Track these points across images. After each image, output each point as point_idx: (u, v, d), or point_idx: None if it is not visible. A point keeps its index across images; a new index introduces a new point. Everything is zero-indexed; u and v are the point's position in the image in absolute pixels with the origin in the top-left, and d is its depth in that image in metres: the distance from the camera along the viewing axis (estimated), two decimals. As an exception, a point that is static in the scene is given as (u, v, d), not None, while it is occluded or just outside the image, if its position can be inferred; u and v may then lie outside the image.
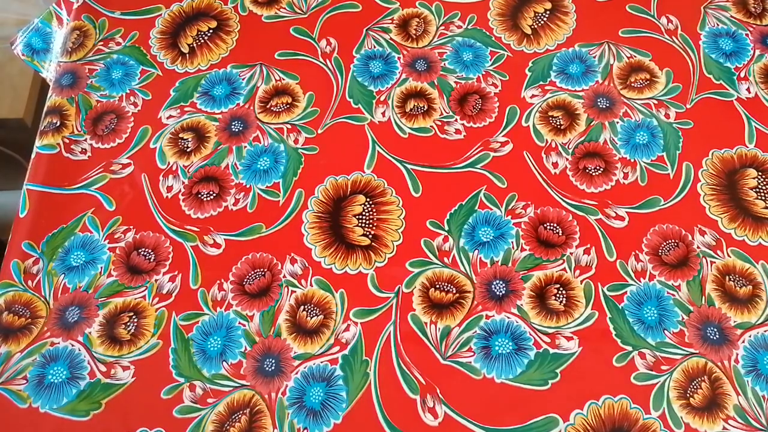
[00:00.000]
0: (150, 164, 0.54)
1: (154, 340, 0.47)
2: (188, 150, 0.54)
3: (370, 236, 0.50)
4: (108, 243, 0.51)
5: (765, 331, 0.46)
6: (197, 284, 0.49)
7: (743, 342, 0.46)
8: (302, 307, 0.48)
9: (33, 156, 0.55)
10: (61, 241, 0.51)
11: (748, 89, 0.55)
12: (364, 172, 0.53)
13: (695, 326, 0.46)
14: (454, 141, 0.54)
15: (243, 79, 0.58)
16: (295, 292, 0.48)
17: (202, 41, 0.60)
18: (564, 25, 0.59)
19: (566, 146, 0.53)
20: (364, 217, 0.51)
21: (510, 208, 0.51)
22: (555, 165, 0.53)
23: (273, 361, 0.46)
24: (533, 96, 0.56)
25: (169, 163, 0.54)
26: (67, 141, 0.55)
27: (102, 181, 0.53)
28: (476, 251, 0.49)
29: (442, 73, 0.57)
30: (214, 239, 0.50)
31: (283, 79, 0.57)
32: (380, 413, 0.44)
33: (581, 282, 0.48)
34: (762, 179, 0.52)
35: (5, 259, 0.50)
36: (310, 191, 0.52)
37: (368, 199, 0.52)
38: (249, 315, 0.48)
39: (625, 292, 0.48)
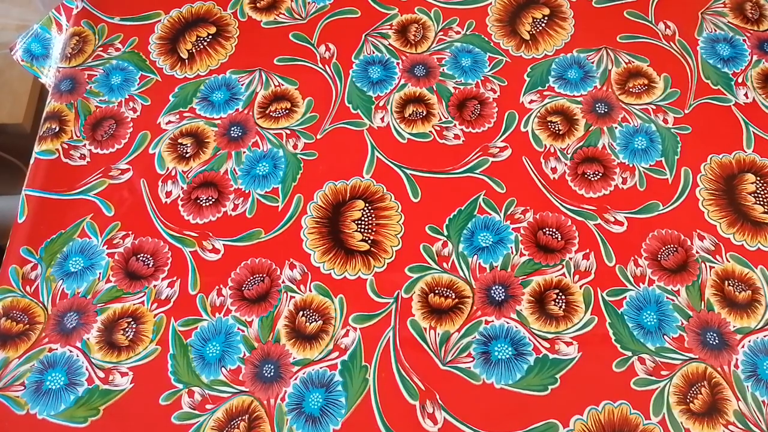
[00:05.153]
0: (149, 170, 0.54)
1: (153, 345, 0.47)
2: (187, 155, 0.54)
3: (369, 241, 0.50)
4: (107, 248, 0.51)
5: (764, 336, 0.46)
6: (196, 290, 0.49)
7: (743, 347, 0.46)
8: (301, 313, 0.48)
9: (32, 161, 0.55)
10: (60, 247, 0.51)
11: (746, 94, 0.55)
12: (363, 178, 0.53)
13: (695, 331, 0.46)
14: (453, 146, 0.54)
15: (242, 85, 0.58)
16: (294, 297, 0.48)
17: (202, 47, 0.60)
18: (562, 30, 0.60)
19: (565, 151, 0.54)
20: (363, 223, 0.51)
21: (509, 213, 0.51)
22: (554, 170, 0.53)
23: (272, 366, 0.46)
24: (532, 101, 0.56)
25: (168, 168, 0.54)
26: (66, 146, 0.55)
27: (101, 187, 0.53)
28: (475, 256, 0.49)
29: (440, 78, 0.57)
30: (213, 245, 0.50)
31: (282, 85, 0.57)
32: (379, 419, 0.44)
33: (580, 287, 0.48)
34: (760, 184, 0.52)
35: (3, 265, 0.50)
36: (309, 196, 0.52)
37: (367, 205, 0.52)
38: (248, 320, 0.47)
39: (625, 297, 0.47)
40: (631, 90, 0.56)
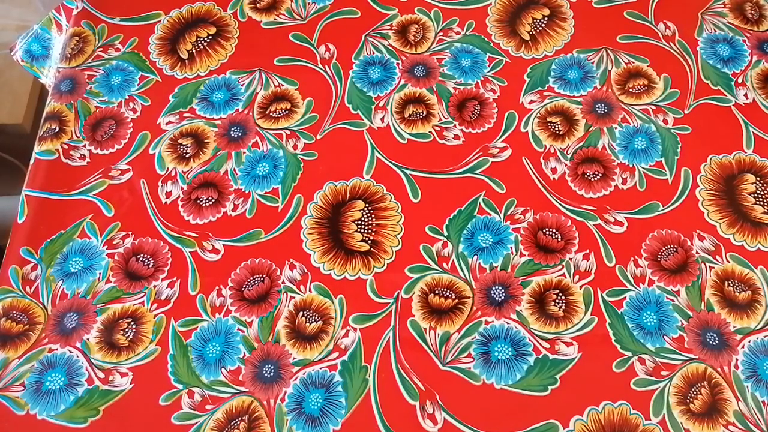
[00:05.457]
0: (149, 170, 0.54)
1: (153, 346, 0.47)
2: (187, 156, 0.54)
3: (369, 242, 0.50)
4: (107, 249, 0.51)
5: (764, 337, 0.46)
6: (196, 290, 0.49)
7: (743, 347, 0.46)
8: (301, 313, 0.48)
9: (32, 162, 0.55)
10: (60, 247, 0.51)
11: (745, 95, 0.55)
12: (363, 178, 0.53)
13: (695, 332, 0.46)
14: (453, 146, 0.54)
15: (242, 85, 0.58)
16: (294, 297, 0.48)
17: (202, 47, 0.60)
18: (562, 31, 0.60)
19: (565, 152, 0.54)
20: (363, 223, 0.51)
21: (509, 213, 0.51)
22: (554, 170, 0.53)
23: (272, 367, 0.46)
24: (532, 102, 0.56)
25: (168, 168, 0.54)
26: (66, 147, 0.55)
27: (101, 187, 0.53)
28: (475, 257, 0.49)
29: (440, 78, 0.57)
30: (212, 245, 0.50)
31: (282, 85, 0.57)
32: (379, 419, 0.44)
33: (580, 287, 0.48)
34: (760, 184, 0.52)
35: (3, 265, 0.50)
36: (309, 197, 0.52)
37: (367, 205, 0.52)
38: (248, 321, 0.47)
39: (625, 298, 0.47)
40: (631, 90, 0.56)
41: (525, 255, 0.49)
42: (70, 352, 0.47)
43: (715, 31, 0.59)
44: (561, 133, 0.54)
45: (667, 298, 0.47)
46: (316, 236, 0.51)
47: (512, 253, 0.49)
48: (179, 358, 0.46)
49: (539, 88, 0.56)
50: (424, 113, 0.56)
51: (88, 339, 0.47)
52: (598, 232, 0.50)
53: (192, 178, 0.53)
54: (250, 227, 0.51)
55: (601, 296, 0.47)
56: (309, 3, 0.62)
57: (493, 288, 0.48)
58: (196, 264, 0.50)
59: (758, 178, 0.52)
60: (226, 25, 0.61)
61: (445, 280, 0.48)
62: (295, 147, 0.54)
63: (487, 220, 0.51)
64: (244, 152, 0.54)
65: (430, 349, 0.46)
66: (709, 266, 0.48)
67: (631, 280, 0.48)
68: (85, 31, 0.61)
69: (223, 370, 0.46)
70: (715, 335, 0.46)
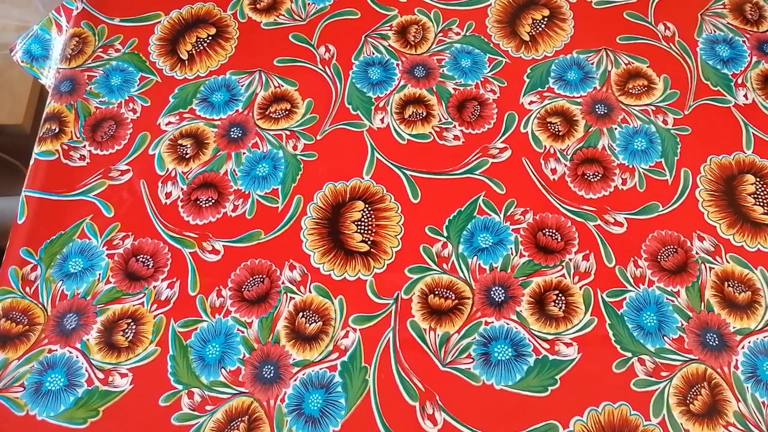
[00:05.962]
0: (149, 171, 0.54)
1: (153, 347, 0.47)
2: (187, 156, 0.54)
3: (369, 242, 0.50)
4: (106, 249, 0.51)
5: (764, 337, 0.46)
6: (196, 291, 0.49)
7: (743, 348, 0.46)
8: (301, 314, 0.48)
9: (32, 162, 0.55)
10: (60, 248, 0.51)
11: (745, 95, 0.55)
12: (363, 179, 0.53)
13: (694, 332, 0.46)
14: (453, 147, 0.54)
15: (242, 86, 0.58)
16: (293, 298, 0.48)
17: (201, 48, 0.60)
18: (562, 31, 0.60)
19: (565, 152, 0.54)
20: (363, 224, 0.51)
21: (509, 214, 0.51)
22: (554, 171, 0.53)
23: (272, 367, 0.46)
24: (531, 102, 0.56)
25: (167, 169, 0.54)
26: (65, 147, 0.55)
27: (101, 188, 0.53)
28: (475, 257, 0.49)
29: (440, 79, 0.57)
30: (212, 246, 0.50)
31: (282, 86, 0.57)
32: (379, 420, 0.44)
33: (580, 288, 0.48)
34: (760, 185, 0.52)
35: (3, 266, 0.50)
36: (309, 197, 0.52)
37: (367, 206, 0.52)
38: (248, 322, 0.47)
39: (624, 298, 0.48)
40: (630, 91, 0.56)
41: (525, 255, 0.49)
42: (70, 352, 0.47)
43: (715, 31, 0.59)
44: (561, 133, 0.54)
45: (667, 298, 0.47)
46: (316, 237, 0.51)
47: (512, 253, 0.49)
48: (179, 359, 0.46)
49: (539, 89, 0.57)
50: (424, 114, 0.56)
51: (87, 340, 0.47)
52: (598, 232, 0.50)
53: (192, 179, 0.53)
54: (250, 228, 0.51)
55: (601, 297, 0.47)
56: (309, 4, 0.62)
57: (493, 289, 0.48)
58: (196, 265, 0.50)
59: (758, 179, 0.52)
60: (226, 25, 0.61)
61: (444, 280, 0.48)
62: (294, 147, 0.54)
63: (487, 220, 0.51)
64: (244, 153, 0.54)
65: (430, 349, 0.46)
66: (709, 267, 0.48)
67: (631, 280, 0.48)
68: (85, 32, 0.61)
69: (222, 370, 0.46)
70: (715, 336, 0.46)
